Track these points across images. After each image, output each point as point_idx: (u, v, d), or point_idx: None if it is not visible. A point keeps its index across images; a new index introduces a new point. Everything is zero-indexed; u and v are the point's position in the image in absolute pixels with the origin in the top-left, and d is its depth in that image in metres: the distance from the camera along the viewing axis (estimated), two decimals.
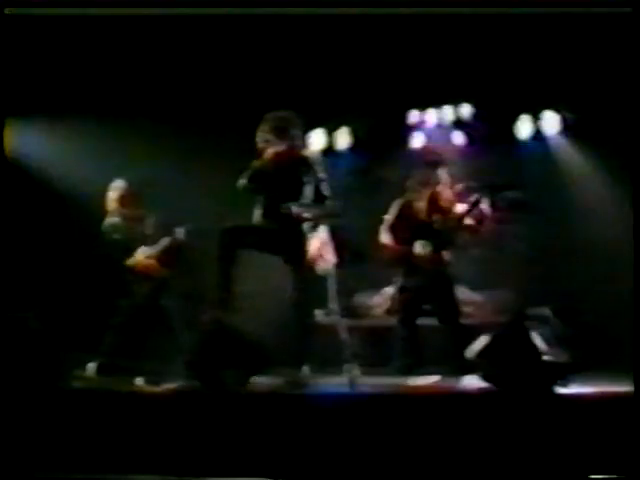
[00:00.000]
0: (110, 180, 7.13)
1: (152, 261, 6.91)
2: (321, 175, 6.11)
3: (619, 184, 7.71)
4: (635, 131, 5.68)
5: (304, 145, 6.64)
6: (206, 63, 7.83)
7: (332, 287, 6.00)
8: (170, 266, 6.96)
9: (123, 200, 7.01)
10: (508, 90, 8.14)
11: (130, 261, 6.86)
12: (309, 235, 6.01)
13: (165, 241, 6.94)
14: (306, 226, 6.04)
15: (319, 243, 6.00)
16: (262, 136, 6.08)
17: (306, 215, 6.02)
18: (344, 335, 5.98)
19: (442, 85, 8.25)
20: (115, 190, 7.04)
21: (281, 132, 6.04)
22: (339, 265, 6.08)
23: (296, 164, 6.06)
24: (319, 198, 6.08)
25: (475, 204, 6.45)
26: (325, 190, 6.09)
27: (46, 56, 7.55)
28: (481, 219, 6.47)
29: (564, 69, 7.73)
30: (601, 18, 6.61)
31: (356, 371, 5.83)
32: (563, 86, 7.94)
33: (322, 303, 6.23)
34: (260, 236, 6.02)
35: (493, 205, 6.50)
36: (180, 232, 6.94)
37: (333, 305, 6.01)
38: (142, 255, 6.89)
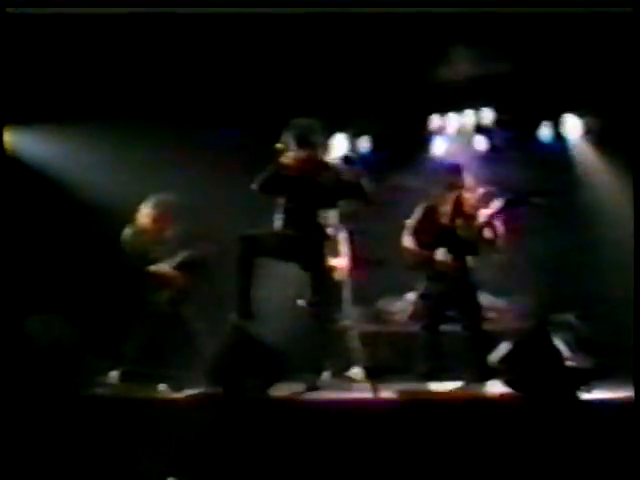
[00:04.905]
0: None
1: (174, 272, 6.93)
2: (345, 177, 6.11)
3: None
4: (633, 129, 5.63)
5: (326, 151, 6.65)
6: (226, 70, 7.73)
7: (346, 293, 6.09)
8: (191, 276, 6.98)
9: (158, 219, 7.00)
10: (528, 94, 8.08)
11: (152, 269, 6.89)
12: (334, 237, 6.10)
13: (186, 253, 6.96)
14: (330, 230, 6.10)
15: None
16: (284, 143, 6.10)
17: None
18: (354, 340, 6.02)
19: (463, 90, 8.22)
20: (151, 208, 7.01)
21: (302, 140, 6.07)
22: (354, 271, 6.14)
23: (317, 170, 6.08)
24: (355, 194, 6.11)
25: (500, 211, 6.42)
26: (355, 189, 6.11)
27: (48, 56, 7.31)
28: (497, 233, 6.46)
29: (580, 70, 7.64)
30: (601, 18, 6.54)
31: (360, 374, 5.88)
32: (577, 89, 7.87)
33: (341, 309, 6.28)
34: (279, 243, 6.03)
35: (515, 211, 6.48)
36: (202, 245, 6.96)
37: (347, 310, 6.07)
38: (164, 267, 6.92)
